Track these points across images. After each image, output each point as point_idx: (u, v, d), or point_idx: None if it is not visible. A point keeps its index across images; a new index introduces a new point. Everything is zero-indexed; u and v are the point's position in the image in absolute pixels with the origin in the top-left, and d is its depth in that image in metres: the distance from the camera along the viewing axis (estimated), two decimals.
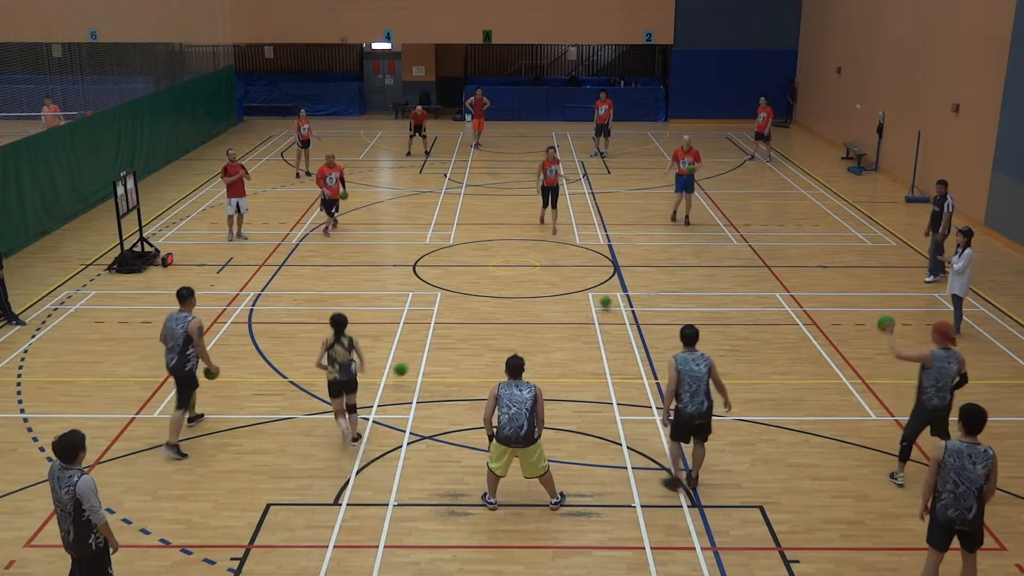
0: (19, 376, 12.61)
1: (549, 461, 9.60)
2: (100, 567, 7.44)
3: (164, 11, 28.82)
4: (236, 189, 18.49)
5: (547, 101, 34.01)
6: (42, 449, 10.65)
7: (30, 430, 11.14)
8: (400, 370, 11.99)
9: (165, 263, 17.15)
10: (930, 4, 22.48)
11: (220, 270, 16.89)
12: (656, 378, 12.56)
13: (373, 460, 10.48)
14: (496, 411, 9.21)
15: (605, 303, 15.26)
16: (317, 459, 10.50)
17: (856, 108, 26.94)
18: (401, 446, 10.76)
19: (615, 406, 11.77)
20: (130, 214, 17.21)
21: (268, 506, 9.60)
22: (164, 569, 8.61)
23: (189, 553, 8.83)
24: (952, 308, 14.20)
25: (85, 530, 7.24)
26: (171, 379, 11.91)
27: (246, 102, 34.12)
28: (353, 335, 10.62)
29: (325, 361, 10.48)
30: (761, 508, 9.61)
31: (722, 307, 15.20)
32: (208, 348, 13.29)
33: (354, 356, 10.50)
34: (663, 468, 10.32)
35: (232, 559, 8.75)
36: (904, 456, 10.03)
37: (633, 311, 15.01)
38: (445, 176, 24.78)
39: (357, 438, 10.79)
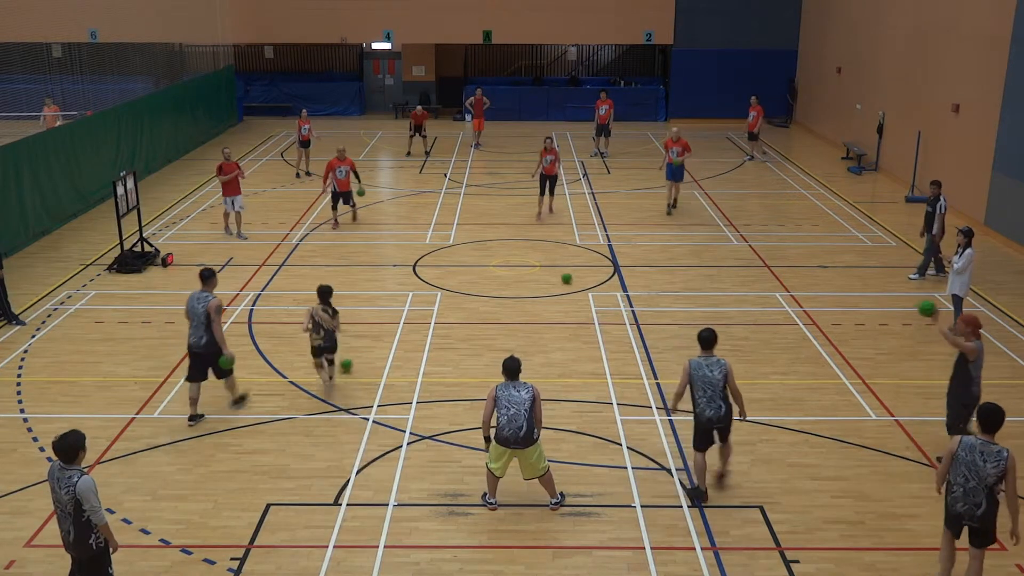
0: (19, 376, 12.62)
1: (549, 461, 9.60)
2: (100, 567, 7.44)
3: (164, 11, 28.81)
4: (231, 188, 18.68)
5: (547, 101, 34.01)
6: (42, 449, 10.65)
7: (30, 430, 11.14)
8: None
9: (165, 263, 17.15)
10: (930, 4, 22.48)
11: (220, 270, 16.88)
12: (656, 378, 12.56)
13: (373, 460, 10.48)
14: (495, 412, 9.21)
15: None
16: (317, 459, 10.50)
17: (856, 108, 26.94)
18: (401, 446, 10.76)
19: (615, 406, 11.77)
20: (130, 214, 17.22)
21: (268, 506, 9.60)
22: (164, 569, 8.61)
23: (189, 553, 8.83)
24: (952, 308, 14.20)
25: (85, 530, 7.24)
26: (171, 379, 12.02)
27: (246, 102, 34.12)
28: (335, 305, 11.86)
29: (310, 326, 11.71)
30: (761, 508, 9.61)
31: (722, 307, 15.20)
32: None
33: (337, 322, 11.85)
34: (663, 468, 10.33)
35: (232, 559, 8.75)
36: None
37: (633, 311, 15.01)
38: (445, 176, 24.78)
39: (331, 382, 12.22)
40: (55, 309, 15.03)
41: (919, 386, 12.44)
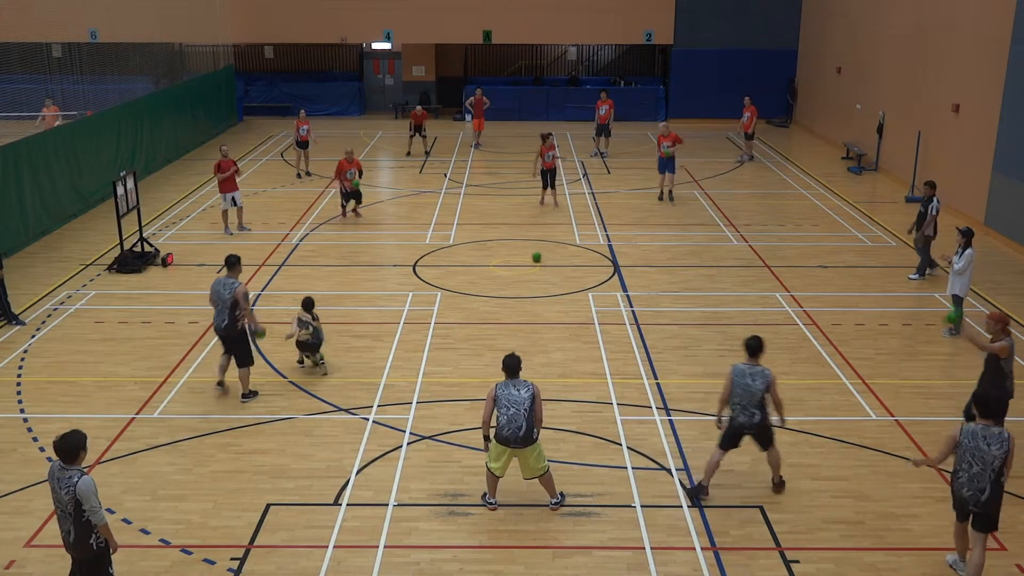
0: (19, 376, 12.61)
1: (549, 461, 9.60)
2: (100, 567, 7.44)
3: (164, 11, 28.80)
4: (229, 185, 18.93)
5: (547, 101, 34.01)
6: (42, 449, 10.65)
7: (30, 430, 11.14)
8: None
9: (165, 263, 17.15)
10: (930, 4, 22.48)
11: (220, 270, 16.86)
12: (656, 378, 12.57)
13: (373, 460, 10.48)
14: (495, 412, 9.21)
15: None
16: (317, 459, 10.50)
17: (856, 108, 26.94)
18: (401, 446, 10.76)
19: (615, 406, 11.77)
20: (130, 214, 17.22)
21: (268, 506, 9.60)
22: (164, 569, 8.61)
23: (189, 553, 8.83)
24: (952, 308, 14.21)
25: (85, 530, 7.24)
26: (171, 379, 12.03)
27: (246, 102, 34.12)
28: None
29: (297, 327, 12.32)
30: (761, 508, 9.60)
31: (722, 307, 15.20)
32: (209, 346, 13.42)
33: (319, 327, 12.55)
34: (663, 468, 10.33)
35: (232, 559, 8.75)
36: None
37: (633, 311, 15.01)
38: (445, 176, 24.78)
39: (325, 368, 12.71)
40: (55, 309, 15.03)
41: (919, 386, 12.44)
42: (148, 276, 16.64)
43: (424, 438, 10.98)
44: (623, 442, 10.89)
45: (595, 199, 22.29)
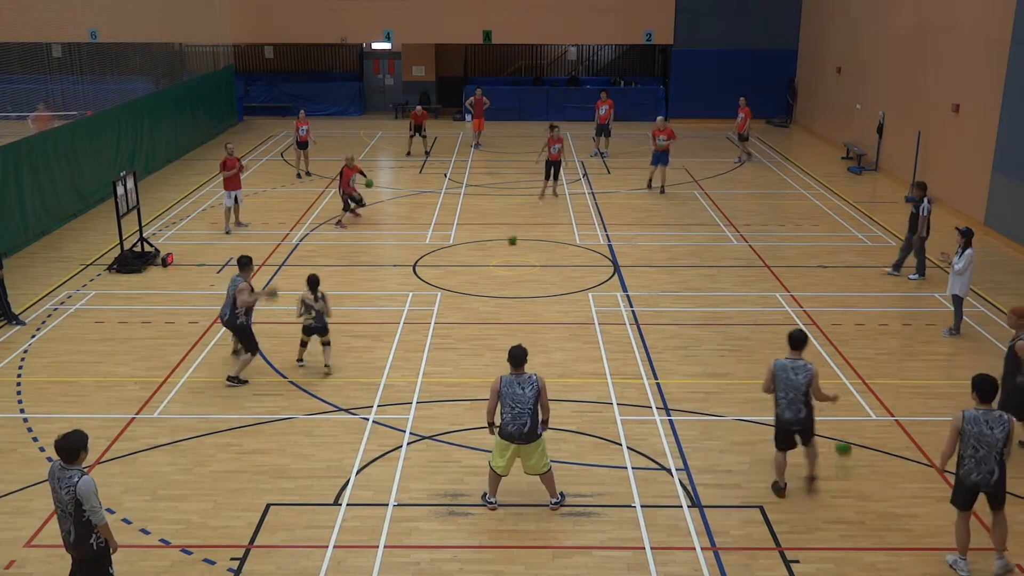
0: (19, 376, 12.62)
1: (550, 461, 9.59)
2: (100, 567, 7.44)
3: (164, 11, 28.79)
4: (233, 183, 19.11)
5: (547, 101, 34.00)
6: (42, 449, 10.65)
7: (30, 430, 11.14)
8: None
9: (165, 263, 17.15)
10: (930, 4, 22.48)
11: (220, 270, 16.89)
12: (656, 378, 12.57)
13: (373, 460, 10.48)
14: (498, 407, 9.20)
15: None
16: (317, 459, 10.50)
17: (856, 108, 26.95)
18: (401, 446, 10.76)
19: (615, 406, 11.77)
20: (130, 214, 17.22)
21: (268, 506, 9.60)
22: (164, 569, 8.61)
23: (189, 553, 8.83)
24: (952, 308, 14.22)
25: (86, 530, 7.24)
26: (171, 379, 12.08)
27: (246, 102, 34.11)
28: (324, 291, 12.56)
29: (303, 311, 12.43)
30: (761, 508, 9.61)
31: (722, 307, 15.20)
32: (209, 347, 13.45)
33: (327, 307, 12.51)
34: (663, 468, 10.33)
35: (232, 559, 8.75)
36: None
37: (633, 311, 15.01)
38: (445, 176, 24.78)
39: (328, 367, 12.61)
40: (55, 309, 15.03)
41: (919, 386, 12.45)
42: (148, 276, 16.64)
43: (424, 438, 10.98)
44: (623, 442, 10.89)
45: (595, 199, 22.29)
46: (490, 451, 9.61)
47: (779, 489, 9.79)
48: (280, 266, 17.21)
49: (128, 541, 8.82)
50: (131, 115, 23.55)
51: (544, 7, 32.49)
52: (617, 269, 17.08)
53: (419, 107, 28.07)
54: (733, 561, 8.77)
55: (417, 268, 17.12)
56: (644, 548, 8.94)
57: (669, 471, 10.27)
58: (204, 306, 15.14)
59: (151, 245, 17.68)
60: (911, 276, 16.51)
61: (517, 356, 9.20)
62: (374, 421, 11.36)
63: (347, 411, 11.63)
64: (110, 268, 16.80)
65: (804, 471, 9.89)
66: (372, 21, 32.72)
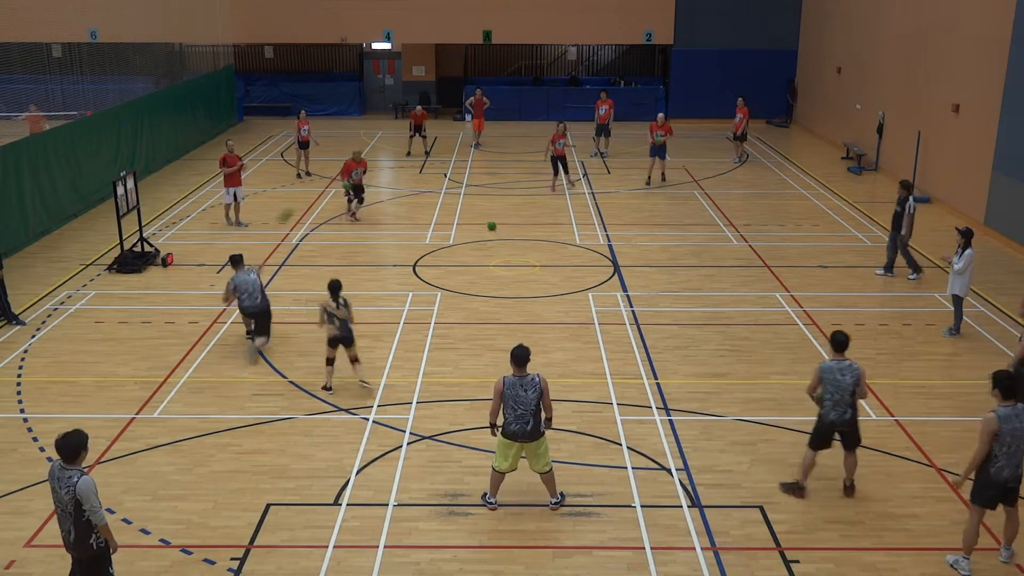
0: (19, 376, 12.62)
1: (551, 461, 9.58)
2: (100, 567, 7.44)
3: (164, 11, 28.81)
4: (233, 179, 19.35)
5: (547, 101, 34.00)
6: (42, 449, 10.65)
7: (30, 430, 11.14)
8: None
9: (165, 263, 17.15)
10: (930, 4, 22.48)
11: (220, 270, 16.89)
12: (656, 378, 12.57)
13: (373, 460, 10.48)
14: (501, 408, 9.19)
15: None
16: (317, 459, 10.50)
17: (856, 108, 26.95)
18: (401, 446, 10.76)
19: (615, 406, 11.77)
20: (130, 214, 17.22)
21: (268, 506, 9.60)
22: (164, 569, 8.61)
23: (189, 553, 8.83)
24: (952, 308, 14.22)
25: (86, 530, 7.24)
26: (171, 379, 12.06)
27: (246, 102, 34.11)
28: (347, 296, 12.02)
29: (325, 319, 11.94)
30: (761, 508, 9.60)
31: (722, 307, 15.20)
32: (209, 347, 13.47)
33: (350, 313, 11.98)
34: (663, 468, 10.33)
35: (232, 559, 8.76)
36: None
37: (633, 311, 15.01)
38: (445, 176, 24.78)
39: (367, 384, 12.11)
40: (55, 309, 15.03)
41: (919, 386, 12.45)
42: (148, 276, 16.64)
43: (424, 438, 10.98)
44: (623, 442, 10.89)
45: (595, 199, 22.29)
46: (490, 451, 9.61)
47: (798, 490, 9.71)
48: (280, 266, 17.21)
49: (128, 541, 8.82)
50: (131, 115, 23.55)
51: (544, 7, 32.49)
52: (617, 269, 17.08)
53: (419, 107, 28.06)
54: (733, 561, 8.77)
55: (417, 268, 17.12)
56: (644, 548, 8.94)
57: (669, 471, 10.27)
58: (204, 306, 15.14)
59: (151, 245, 17.68)
60: (910, 276, 16.50)
61: (520, 356, 9.18)
62: (374, 421, 11.36)
63: (347, 411, 11.62)
64: (110, 268, 16.80)
65: (839, 475, 9.89)
66: (372, 21, 32.72)
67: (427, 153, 27.61)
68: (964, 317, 14.20)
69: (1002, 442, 8.15)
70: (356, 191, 20.30)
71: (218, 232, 19.34)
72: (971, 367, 12.98)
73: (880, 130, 24.72)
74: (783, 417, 11.52)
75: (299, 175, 24.40)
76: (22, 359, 13.16)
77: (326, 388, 12.13)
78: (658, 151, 23.62)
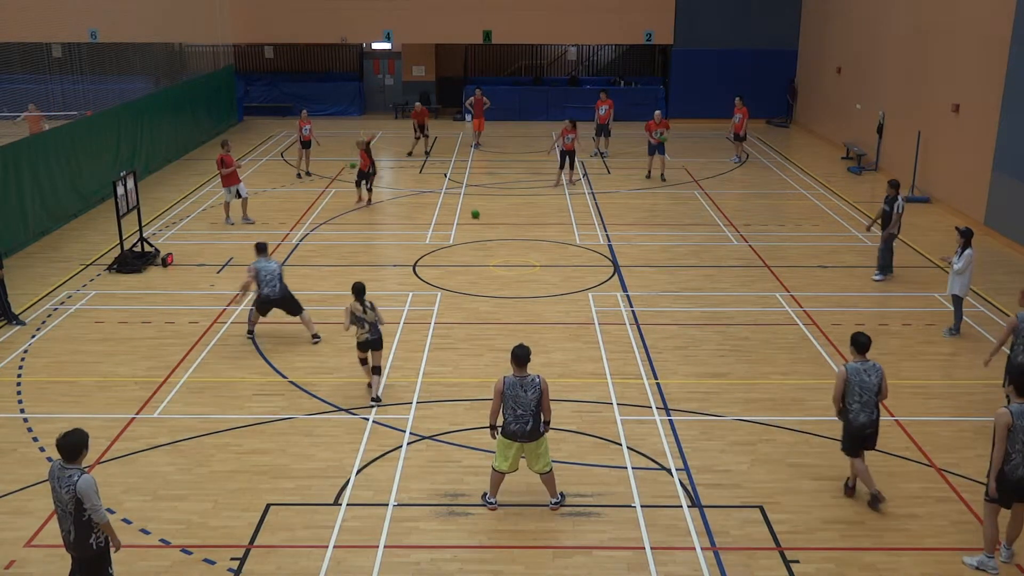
0: (19, 376, 12.62)
1: (551, 461, 9.58)
2: (100, 567, 7.45)
3: (164, 11, 28.81)
4: (233, 178, 19.51)
5: (547, 101, 33.99)
6: (42, 449, 10.65)
7: (30, 430, 11.14)
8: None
9: (165, 263, 17.15)
10: (930, 4, 22.48)
11: (220, 270, 16.90)
12: (656, 378, 12.57)
13: (373, 460, 10.48)
14: (501, 408, 9.19)
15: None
16: (317, 459, 10.50)
17: (856, 108, 26.94)
18: (401, 446, 10.76)
19: (615, 406, 11.77)
20: (130, 214, 17.22)
21: (268, 506, 9.60)
22: (164, 569, 8.61)
23: (189, 553, 8.83)
24: (952, 308, 14.22)
25: (86, 530, 7.24)
26: (171, 379, 12.10)
27: (246, 102, 34.11)
28: (372, 299, 11.91)
29: (353, 323, 11.72)
30: (761, 508, 9.61)
31: (722, 307, 15.20)
32: (209, 347, 13.45)
33: (378, 315, 11.81)
34: (663, 468, 10.33)
35: (232, 559, 8.76)
36: None
37: (633, 311, 15.01)
38: (445, 176, 24.78)
39: (378, 400, 11.77)
40: (55, 309, 15.03)
41: (919, 386, 12.45)
42: (148, 276, 16.64)
43: (424, 438, 10.98)
44: (623, 442, 10.89)
45: (595, 199, 22.29)
46: (490, 451, 9.61)
47: (878, 499, 9.51)
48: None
49: (128, 541, 8.80)
50: (131, 115, 23.55)
51: (544, 7, 32.49)
52: (617, 269, 17.08)
53: (418, 103, 28.03)
54: (733, 561, 8.77)
55: (417, 268, 17.12)
56: (644, 548, 8.95)
57: (669, 471, 10.27)
58: (204, 306, 15.15)
59: (151, 245, 17.68)
60: (874, 276, 16.45)
61: (520, 356, 9.17)
62: (374, 421, 11.36)
63: (347, 411, 11.62)
64: (110, 268, 16.80)
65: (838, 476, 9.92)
66: (372, 21, 32.72)
67: (427, 153, 27.61)
68: (964, 317, 14.20)
69: (1015, 439, 8.15)
70: (362, 176, 21.05)
71: (218, 232, 19.34)
72: (971, 367, 12.98)
73: (880, 130, 24.72)
74: (783, 417, 11.52)
75: (299, 175, 24.40)
76: (22, 359, 13.16)
77: (374, 401, 11.76)
78: (657, 148, 23.92)
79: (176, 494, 9.81)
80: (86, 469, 7.34)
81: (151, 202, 21.25)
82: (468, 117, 31.50)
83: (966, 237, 13.58)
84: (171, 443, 10.85)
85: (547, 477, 9.43)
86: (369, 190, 21.46)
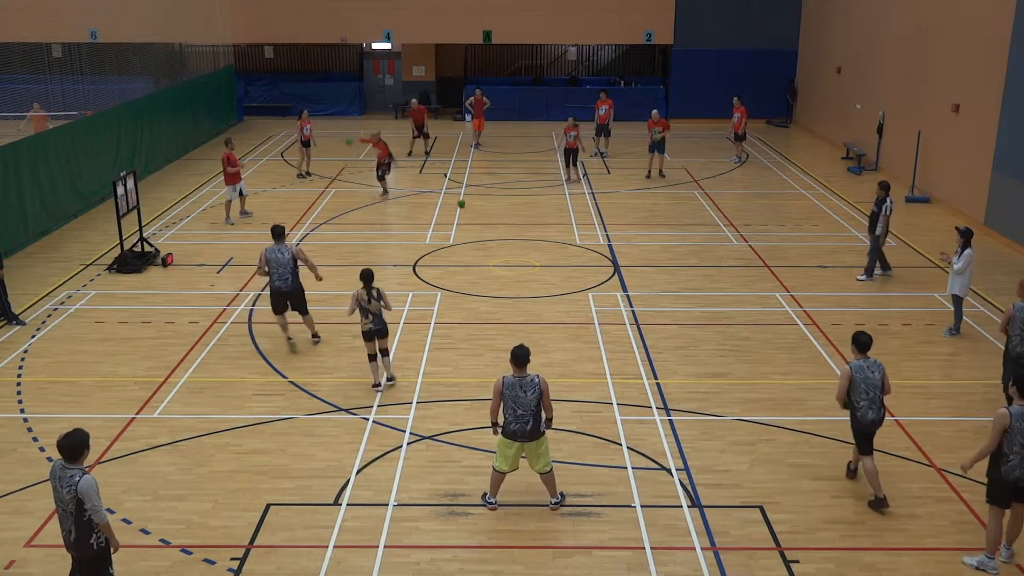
0: (19, 376, 12.62)
1: (551, 461, 9.59)
2: (101, 567, 7.45)
3: (164, 11, 28.81)
4: (235, 177, 19.69)
5: (547, 101, 33.99)
6: (42, 449, 10.65)
7: (30, 430, 11.14)
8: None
9: (165, 263, 17.15)
10: (930, 4, 22.48)
11: (220, 270, 16.90)
12: (656, 378, 12.57)
13: (373, 460, 10.48)
14: (501, 408, 9.19)
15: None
16: (317, 459, 10.50)
17: (856, 108, 26.94)
18: (401, 446, 10.76)
19: (615, 406, 11.77)
20: (130, 214, 17.22)
21: (268, 506, 9.60)
22: (164, 569, 8.61)
23: (189, 553, 8.83)
24: (952, 308, 14.22)
25: (86, 530, 7.24)
26: (171, 379, 12.05)
27: (246, 102, 34.11)
28: (380, 286, 11.88)
29: (358, 312, 11.73)
30: (761, 508, 9.61)
31: (722, 307, 15.20)
32: (209, 347, 13.44)
33: (385, 303, 11.84)
34: (663, 468, 10.33)
35: (232, 559, 8.76)
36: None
37: (633, 311, 15.01)
38: (445, 176, 24.79)
39: (392, 379, 12.19)
40: (55, 309, 15.03)
41: (919, 386, 12.45)
42: (148, 276, 16.65)
43: (424, 438, 10.98)
44: (623, 442, 10.89)
45: (595, 199, 22.29)
46: (490, 451, 9.62)
47: (883, 503, 9.50)
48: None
49: (128, 541, 8.82)
50: (131, 115, 23.55)
51: (544, 7, 32.49)
52: (617, 269, 17.08)
53: (414, 101, 27.96)
54: (733, 561, 8.77)
55: (417, 268, 17.12)
56: (644, 548, 8.95)
57: (669, 471, 10.27)
58: (204, 306, 15.15)
59: (151, 245, 17.68)
60: (859, 277, 16.47)
61: (520, 356, 9.17)
62: (374, 421, 11.36)
63: (347, 411, 11.63)
64: (110, 268, 16.81)
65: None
66: (372, 21, 32.72)
67: (427, 153, 27.60)
68: (964, 317, 14.21)
69: (1012, 440, 8.16)
70: (379, 167, 21.89)
71: (218, 232, 19.34)
72: (971, 367, 12.99)
73: (880, 130, 24.72)
74: (783, 417, 11.52)
75: (300, 175, 24.40)
76: (22, 359, 13.16)
77: (376, 387, 12.06)
78: (656, 146, 24.20)
79: (176, 494, 9.81)
80: (87, 469, 7.34)
81: (151, 202, 21.25)
82: (468, 117, 31.50)
83: (966, 237, 13.58)
84: (171, 443, 10.85)
85: (547, 477, 9.43)
86: (382, 179, 22.14)
